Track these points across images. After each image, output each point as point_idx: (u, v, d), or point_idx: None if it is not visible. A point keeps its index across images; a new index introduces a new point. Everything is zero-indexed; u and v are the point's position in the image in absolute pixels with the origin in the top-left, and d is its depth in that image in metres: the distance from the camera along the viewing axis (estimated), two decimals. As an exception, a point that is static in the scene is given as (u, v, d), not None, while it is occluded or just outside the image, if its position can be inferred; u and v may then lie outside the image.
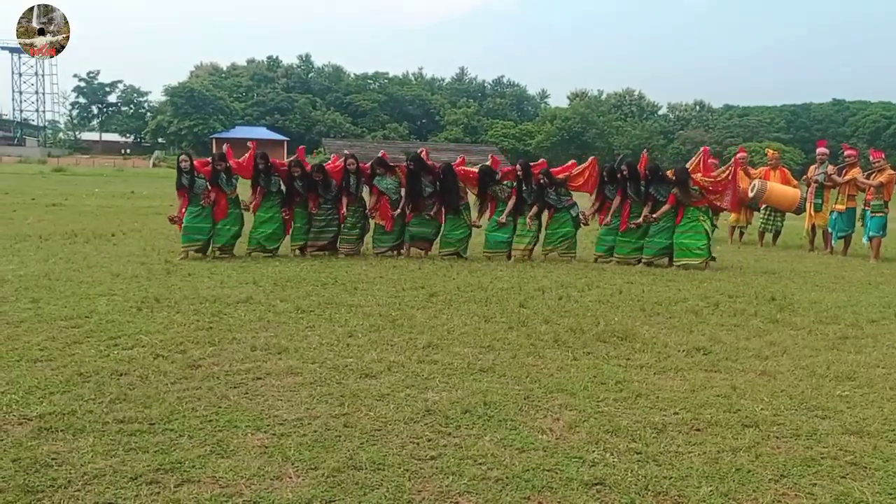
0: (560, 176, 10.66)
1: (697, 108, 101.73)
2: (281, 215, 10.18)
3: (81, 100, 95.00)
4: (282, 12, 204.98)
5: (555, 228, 10.65)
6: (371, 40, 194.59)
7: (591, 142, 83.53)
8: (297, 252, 10.30)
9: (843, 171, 12.61)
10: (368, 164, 10.57)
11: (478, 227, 10.90)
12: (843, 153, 13.12)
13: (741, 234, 14.77)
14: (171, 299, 6.88)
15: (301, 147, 11.19)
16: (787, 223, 14.56)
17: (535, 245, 10.74)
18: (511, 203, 10.51)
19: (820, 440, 3.80)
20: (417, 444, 3.61)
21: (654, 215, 10.17)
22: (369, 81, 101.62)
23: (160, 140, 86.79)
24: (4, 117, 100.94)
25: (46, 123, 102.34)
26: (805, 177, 13.62)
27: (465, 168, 10.96)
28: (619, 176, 10.41)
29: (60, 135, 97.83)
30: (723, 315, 6.93)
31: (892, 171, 11.91)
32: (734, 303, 7.56)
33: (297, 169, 10.13)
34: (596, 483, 3.24)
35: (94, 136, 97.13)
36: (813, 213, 13.20)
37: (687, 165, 10.63)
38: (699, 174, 10.31)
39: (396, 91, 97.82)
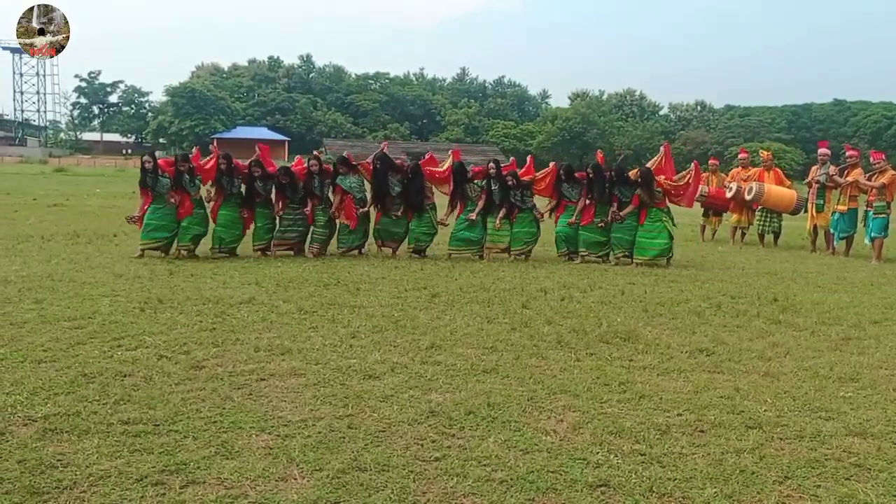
0: (526, 178, 10.81)
1: (699, 108, 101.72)
2: (240, 215, 10.15)
3: (82, 100, 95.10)
4: (283, 12, 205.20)
5: (520, 228, 10.75)
6: (372, 40, 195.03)
7: (592, 142, 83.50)
8: (259, 253, 10.22)
9: (845, 172, 12.61)
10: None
11: (444, 225, 10.96)
12: (844, 154, 13.12)
13: (743, 234, 14.78)
14: (174, 300, 6.89)
15: (265, 146, 11.14)
16: (788, 224, 14.58)
17: (510, 243, 10.83)
18: (482, 202, 10.61)
19: (824, 442, 3.80)
20: (422, 445, 3.61)
21: (621, 213, 10.38)
22: (370, 82, 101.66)
23: (161, 140, 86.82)
24: (6, 118, 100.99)
25: (48, 124, 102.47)
26: (807, 178, 13.62)
27: (433, 169, 11.04)
28: (588, 177, 10.57)
29: (62, 135, 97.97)
30: (725, 316, 6.93)
31: (894, 172, 11.91)
32: (737, 304, 7.56)
33: (258, 169, 10.08)
34: (600, 485, 3.24)
35: (95, 136, 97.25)
36: (815, 213, 13.19)
37: (649, 165, 10.82)
38: (663, 176, 10.52)
39: (397, 91, 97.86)
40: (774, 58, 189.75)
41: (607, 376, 4.83)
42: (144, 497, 3.01)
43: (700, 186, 14.94)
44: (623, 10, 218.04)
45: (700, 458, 3.55)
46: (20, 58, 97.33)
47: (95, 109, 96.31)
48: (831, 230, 12.87)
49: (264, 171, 10.15)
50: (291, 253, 10.43)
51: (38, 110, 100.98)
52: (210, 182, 10.13)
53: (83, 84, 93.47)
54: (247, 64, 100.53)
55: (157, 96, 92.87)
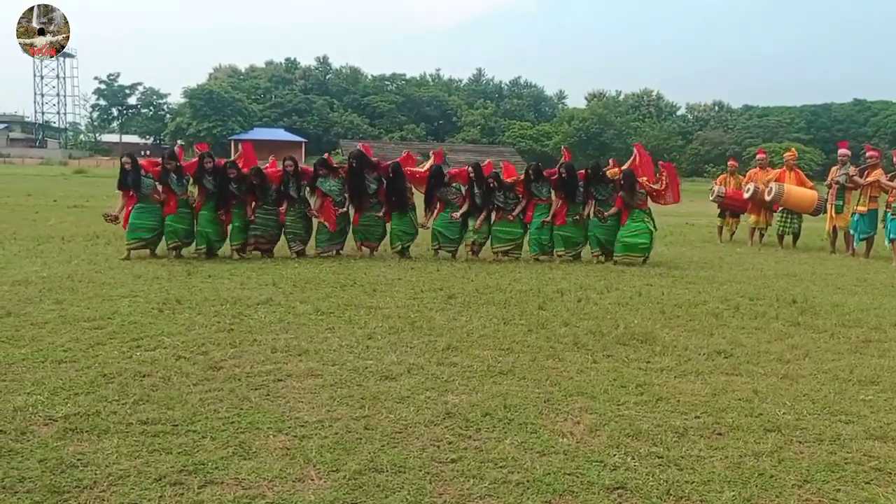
0: (508, 180, 10.85)
1: (716, 108, 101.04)
2: (218, 216, 10.14)
3: (102, 102, 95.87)
4: (299, 14, 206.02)
5: (503, 227, 10.77)
6: (388, 42, 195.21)
7: (608, 142, 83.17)
8: (237, 254, 10.16)
9: (865, 173, 12.48)
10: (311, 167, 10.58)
11: (426, 227, 10.98)
12: (864, 154, 12.98)
13: (761, 235, 14.66)
14: (192, 300, 6.94)
15: (248, 143, 11.13)
16: (807, 225, 14.44)
17: (484, 242, 10.89)
18: (465, 206, 10.67)
19: (843, 445, 3.77)
20: (438, 446, 3.62)
21: (605, 214, 10.45)
22: (387, 83, 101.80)
23: (179, 142, 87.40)
24: (27, 120, 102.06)
25: (67, 125, 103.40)
26: (827, 179, 13.49)
27: (413, 169, 11.08)
28: (560, 176, 10.60)
29: (81, 137, 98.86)
30: (743, 318, 6.88)
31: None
32: (755, 306, 7.50)
33: (233, 171, 10.02)
34: (617, 487, 3.23)
35: (114, 137, 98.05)
36: (834, 214, 13.07)
37: (626, 166, 10.91)
38: (645, 178, 10.66)
39: (414, 92, 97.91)
40: (793, 57, 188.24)
41: (624, 378, 4.81)
42: (163, 497, 3.04)
43: (717, 187, 14.97)
44: (640, 10, 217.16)
45: (718, 461, 3.53)
46: (41, 61, 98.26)
47: (114, 111, 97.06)
48: (851, 231, 12.74)
49: (239, 172, 10.07)
50: (259, 253, 10.32)
51: (59, 112, 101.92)
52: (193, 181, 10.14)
53: (102, 86, 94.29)
54: (264, 66, 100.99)
55: (176, 98, 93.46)
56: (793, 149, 16.54)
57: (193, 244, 10.07)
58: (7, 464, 3.28)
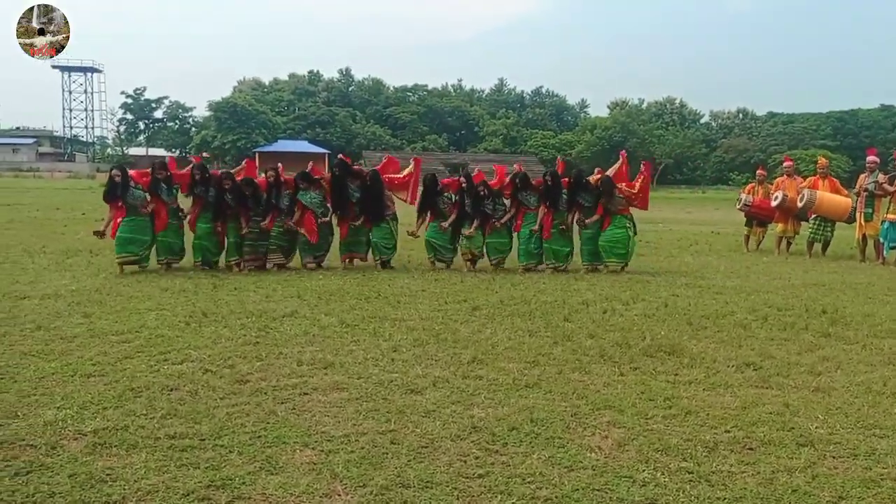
0: (496, 187, 10.86)
1: (740, 115, 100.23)
2: (215, 228, 10.14)
3: (128, 116, 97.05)
4: (322, 26, 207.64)
5: (496, 238, 10.79)
6: (411, 53, 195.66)
7: (632, 151, 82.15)
8: (234, 268, 10.05)
9: (895, 180, 12.29)
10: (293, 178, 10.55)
11: (416, 236, 10.99)
12: (893, 160, 12.79)
13: (788, 244, 14.48)
14: (218, 313, 6.98)
15: (251, 161, 11.12)
16: (836, 233, 14.22)
17: (480, 254, 10.89)
18: (454, 216, 10.66)
19: (879, 460, 3.69)
20: (465, 461, 3.59)
21: (586, 221, 10.56)
22: (409, 94, 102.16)
23: (205, 154, 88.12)
24: (55, 134, 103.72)
25: (95, 139, 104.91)
26: (856, 187, 13.30)
27: (391, 175, 11.09)
28: (546, 184, 10.61)
29: (108, 150, 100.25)
30: (772, 329, 6.79)
31: None
32: (784, 316, 7.40)
33: (228, 181, 10.01)
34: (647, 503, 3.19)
35: (140, 151, 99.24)
36: (863, 222, 12.88)
37: (609, 172, 10.96)
38: (623, 184, 10.75)
39: (436, 103, 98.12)
40: (819, 63, 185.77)
41: (652, 391, 4.76)
42: (191, 512, 3.04)
43: (744, 196, 14.83)
44: (662, 19, 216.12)
45: (750, 476, 3.48)
46: (69, 76, 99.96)
47: (141, 125, 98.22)
48: (881, 239, 12.55)
49: (234, 183, 10.07)
50: (257, 265, 10.25)
51: (86, 126, 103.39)
52: (186, 193, 10.17)
53: (129, 100, 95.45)
54: (287, 78, 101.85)
55: (201, 111, 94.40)
56: (821, 157, 16.25)
57: (193, 257, 10.09)
58: (38, 479, 3.31)
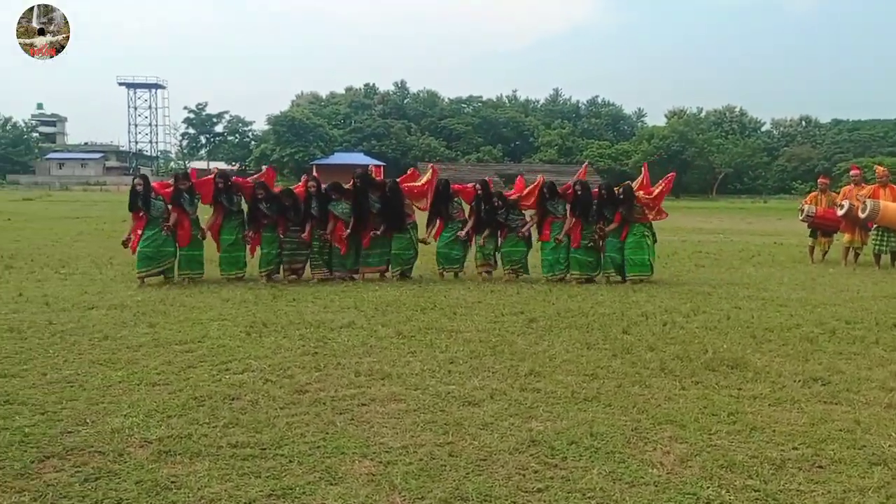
0: (512, 197, 10.82)
1: (803, 123, 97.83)
2: (243, 238, 10.17)
3: (191, 130, 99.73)
4: (378, 40, 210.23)
5: (510, 247, 10.76)
6: (465, 64, 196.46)
7: (690, 160, 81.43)
8: (265, 279, 10.07)
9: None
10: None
11: (426, 243, 10.92)
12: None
13: (856, 255, 14.00)
14: (277, 324, 7.09)
15: (270, 168, 11.16)
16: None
17: (494, 263, 10.90)
18: (471, 221, 10.68)
19: (958, 482, 3.53)
20: (523, 475, 3.56)
21: (606, 229, 10.46)
22: (463, 105, 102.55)
23: (264, 167, 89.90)
24: (121, 149, 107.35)
25: (159, 153, 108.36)
26: None
27: (410, 184, 11.05)
28: (576, 193, 10.54)
29: (172, 164, 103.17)
30: (841, 343, 6.57)
31: None
32: (853, 329, 7.16)
33: (262, 191, 10.06)
34: (712, 522, 3.11)
35: (202, 164, 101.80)
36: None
37: (632, 184, 10.84)
38: (641, 192, 10.60)
39: (490, 114, 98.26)
40: (885, 68, 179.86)
41: (715, 406, 4.65)
42: (253, 521, 3.08)
43: (806, 206, 14.42)
44: (721, 25, 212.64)
45: (819, 496, 3.36)
46: (134, 92, 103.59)
47: (202, 139, 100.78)
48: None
49: (269, 192, 10.16)
50: (295, 277, 10.33)
51: (151, 141, 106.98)
52: (209, 203, 10.23)
53: (191, 115, 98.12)
54: (344, 92, 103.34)
55: (260, 125, 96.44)
56: (878, 166, 15.68)
57: (220, 269, 10.18)
58: (106, 485, 3.40)
